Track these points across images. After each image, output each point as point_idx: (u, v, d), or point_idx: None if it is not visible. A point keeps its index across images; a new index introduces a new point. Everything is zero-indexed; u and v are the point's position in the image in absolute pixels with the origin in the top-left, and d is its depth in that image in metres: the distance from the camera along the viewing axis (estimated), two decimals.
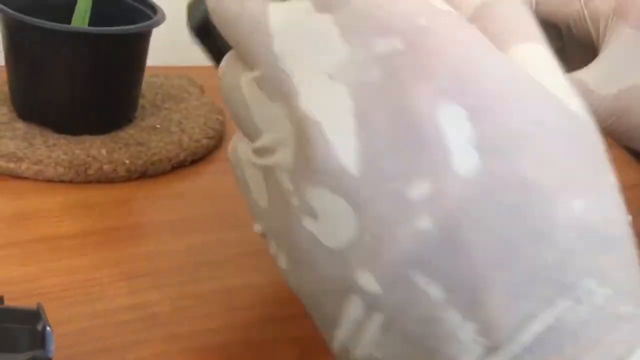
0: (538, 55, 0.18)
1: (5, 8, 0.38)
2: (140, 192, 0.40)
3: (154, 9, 0.44)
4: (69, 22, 0.42)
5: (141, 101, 0.47)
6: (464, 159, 0.15)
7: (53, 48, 0.39)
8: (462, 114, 0.15)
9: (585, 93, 0.25)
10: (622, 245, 0.16)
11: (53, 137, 0.41)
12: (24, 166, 0.38)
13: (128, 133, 0.43)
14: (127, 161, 0.40)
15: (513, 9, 0.19)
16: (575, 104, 0.17)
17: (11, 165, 0.38)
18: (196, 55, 0.69)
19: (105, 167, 0.39)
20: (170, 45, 0.62)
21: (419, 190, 0.15)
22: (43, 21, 0.38)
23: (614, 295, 0.15)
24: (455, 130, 0.15)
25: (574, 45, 0.29)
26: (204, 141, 0.45)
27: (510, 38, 0.18)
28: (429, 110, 0.15)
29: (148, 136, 0.43)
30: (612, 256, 0.15)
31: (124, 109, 0.44)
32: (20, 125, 0.41)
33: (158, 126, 0.45)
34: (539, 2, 0.29)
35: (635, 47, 0.26)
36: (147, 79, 0.49)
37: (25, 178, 0.38)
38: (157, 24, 0.42)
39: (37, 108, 0.42)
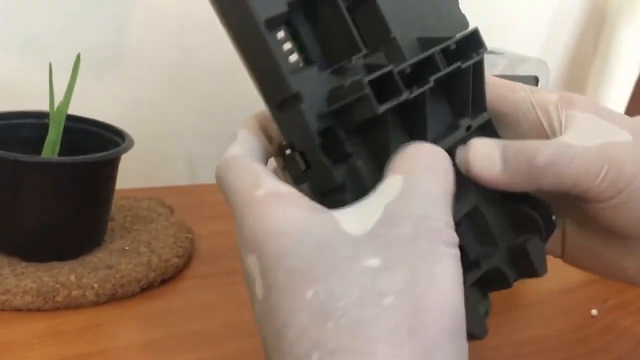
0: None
1: None
2: (109, 315, 0.40)
3: (121, 135, 0.46)
4: (40, 153, 0.44)
5: (110, 224, 0.48)
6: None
7: (23, 179, 0.41)
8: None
9: (568, 148, 0.28)
10: None
11: (21, 266, 0.41)
12: None
13: (97, 257, 0.44)
14: (96, 285, 0.40)
15: None
16: None
17: None
18: (166, 175, 0.71)
19: (74, 292, 0.40)
20: (139, 167, 0.64)
21: None
22: (12, 153, 0.40)
23: None
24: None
25: (512, 129, 0.33)
26: (174, 260, 0.46)
27: None
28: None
29: (117, 259, 0.44)
30: None
31: (93, 234, 0.45)
32: None
33: (127, 248, 0.46)
34: (488, 93, 0.32)
35: (590, 123, 0.30)
36: (117, 201, 0.50)
37: None
38: (125, 150, 0.44)
39: (6, 237, 0.42)
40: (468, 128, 0.31)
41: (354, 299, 0.21)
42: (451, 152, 0.29)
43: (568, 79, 1.02)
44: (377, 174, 0.27)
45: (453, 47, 0.29)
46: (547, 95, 0.32)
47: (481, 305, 0.31)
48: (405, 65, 0.26)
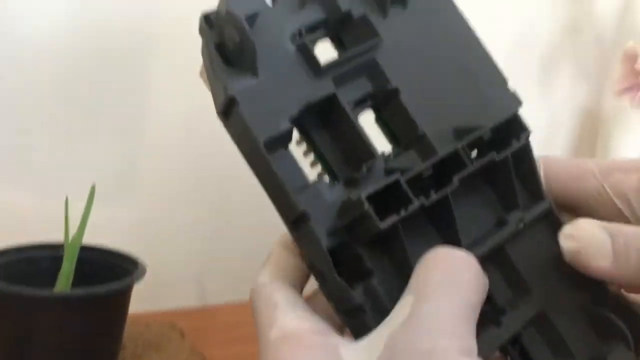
0: None
1: None
2: None
3: (134, 263, 0.47)
4: (54, 282, 0.44)
5: (122, 353, 0.48)
6: None
7: (36, 313, 0.41)
8: None
9: None
10: None
11: None
12: None
13: None
14: None
15: None
16: None
17: None
18: (177, 296, 0.71)
19: None
20: (149, 290, 0.64)
21: None
22: (25, 288, 0.40)
23: None
24: None
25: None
26: None
27: None
28: None
29: None
30: None
31: None
32: None
33: None
34: (549, 180, 0.29)
35: None
36: (128, 327, 0.50)
37: None
38: (137, 279, 0.44)
39: None
40: (520, 222, 0.28)
41: None
42: (502, 251, 0.27)
43: None
44: (401, 291, 0.24)
45: (488, 136, 0.27)
46: (624, 179, 0.28)
47: None
48: (419, 170, 0.25)
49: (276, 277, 0.27)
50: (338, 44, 0.29)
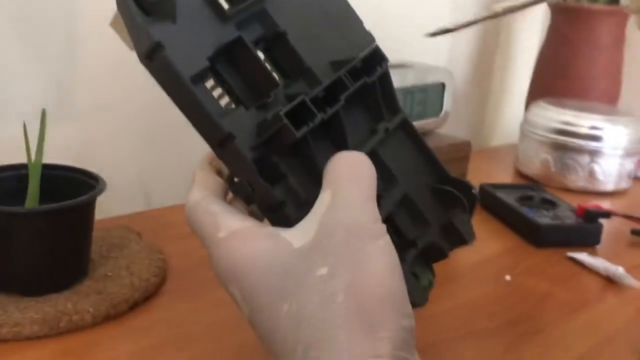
0: None
1: None
2: (106, 333, 0.47)
3: (95, 178, 0.53)
4: (24, 202, 0.50)
5: (91, 254, 0.55)
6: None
7: (14, 228, 0.47)
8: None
9: None
10: None
11: (23, 301, 0.47)
12: (4, 331, 0.44)
13: (86, 285, 0.51)
14: (91, 309, 0.47)
15: None
16: None
17: None
18: (128, 203, 0.78)
19: (74, 317, 0.46)
20: (106, 198, 0.70)
21: None
22: (3, 207, 0.46)
23: None
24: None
25: None
26: (152, 279, 0.53)
27: None
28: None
29: (104, 284, 0.51)
30: None
31: (79, 266, 0.52)
32: None
33: (110, 274, 0.53)
34: None
35: None
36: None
37: (7, 341, 0.44)
38: (100, 192, 0.51)
39: (5, 278, 0.48)
40: (386, 130, 0.36)
41: (316, 303, 0.28)
42: (375, 153, 0.35)
43: (473, 79, 1.13)
44: (312, 186, 0.31)
45: (359, 65, 0.34)
46: None
47: (424, 277, 0.36)
48: (316, 92, 0.32)
49: (207, 193, 0.33)
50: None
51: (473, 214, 0.38)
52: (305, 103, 0.31)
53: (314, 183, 0.31)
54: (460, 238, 0.37)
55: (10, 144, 0.52)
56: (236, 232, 0.31)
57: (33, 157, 0.51)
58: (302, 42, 0.34)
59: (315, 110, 0.31)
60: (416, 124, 0.72)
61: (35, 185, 0.51)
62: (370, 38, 0.37)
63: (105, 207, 0.71)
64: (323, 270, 0.28)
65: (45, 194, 0.51)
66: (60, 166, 0.54)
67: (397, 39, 0.91)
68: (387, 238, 0.30)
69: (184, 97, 0.30)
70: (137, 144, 0.75)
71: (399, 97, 0.70)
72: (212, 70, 0.31)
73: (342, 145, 0.34)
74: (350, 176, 0.31)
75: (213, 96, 0.31)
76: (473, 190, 0.38)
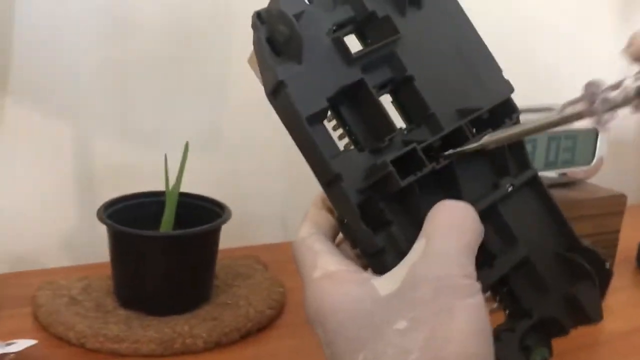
0: None
1: (113, 223, 0.50)
2: (215, 358, 0.48)
3: (222, 207, 0.56)
4: (158, 228, 0.54)
5: (215, 281, 0.57)
6: None
7: (146, 250, 0.51)
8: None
9: None
10: None
11: (147, 319, 0.51)
12: (124, 345, 0.48)
13: (205, 310, 0.53)
14: (205, 334, 0.49)
15: None
16: None
17: (115, 345, 0.48)
18: (261, 233, 0.81)
19: (188, 340, 0.49)
20: (238, 228, 0.74)
21: None
22: (137, 230, 0.50)
23: None
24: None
25: None
26: (268, 312, 0.54)
27: None
28: None
29: (221, 311, 0.53)
30: None
31: (202, 291, 0.54)
32: (122, 312, 0.52)
33: (229, 302, 0.55)
34: None
35: None
36: (220, 261, 0.60)
37: (125, 356, 0.48)
38: (224, 221, 0.53)
39: (136, 297, 0.52)
40: (510, 186, 0.33)
41: (389, 356, 0.27)
42: (495, 209, 0.33)
43: (634, 123, 1.02)
44: (415, 236, 0.30)
45: (486, 115, 0.32)
46: None
47: (537, 352, 0.33)
48: (432, 140, 0.31)
49: (315, 231, 0.33)
50: (361, 37, 0.34)
51: (605, 292, 0.34)
52: (415, 151, 0.30)
53: (417, 233, 0.30)
54: (585, 316, 0.33)
55: (160, 172, 0.56)
56: (330, 274, 0.31)
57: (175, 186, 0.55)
58: (430, 86, 0.33)
59: (426, 160, 0.30)
60: (563, 172, 0.68)
61: (171, 211, 0.55)
62: (507, 87, 0.35)
63: (246, 236, 0.75)
64: (401, 324, 0.27)
65: (181, 220, 0.55)
66: (194, 195, 0.57)
67: (546, 81, 0.86)
68: (480, 298, 0.28)
69: (300, 134, 0.31)
70: (281, 178, 0.78)
71: (542, 143, 0.66)
72: (334, 110, 0.32)
73: (455, 197, 0.32)
74: (448, 226, 0.29)
75: (329, 136, 0.31)
76: (606, 265, 0.34)
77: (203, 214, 0.56)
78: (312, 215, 0.35)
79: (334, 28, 0.33)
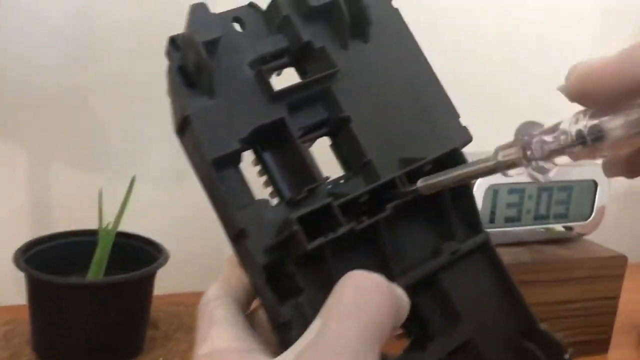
0: None
1: (28, 268, 0.45)
2: None
3: (159, 250, 0.50)
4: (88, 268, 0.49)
5: (154, 332, 0.51)
6: None
7: (66, 299, 0.45)
8: None
9: None
10: None
11: None
12: None
13: None
14: None
15: None
16: None
17: None
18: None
19: None
20: (201, 271, 0.68)
21: None
22: (58, 277, 0.45)
23: None
24: None
25: None
26: None
27: None
28: None
29: None
30: None
31: (129, 346, 0.48)
32: None
33: (161, 359, 0.49)
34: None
35: None
36: (169, 307, 0.54)
37: None
38: (159, 266, 0.48)
39: (53, 350, 0.47)
40: (454, 252, 0.28)
41: None
42: (435, 279, 0.28)
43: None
44: None
45: (428, 167, 0.27)
46: None
47: None
48: (356, 194, 0.26)
49: (222, 294, 0.28)
50: (301, 72, 0.29)
51: None
52: (330, 208, 0.25)
53: None
54: None
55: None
56: (215, 353, 0.25)
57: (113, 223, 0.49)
58: (370, 130, 0.29)
59: (342, 218, 0.25)
60: (556, 228, 0.61)
61: (103, 253, 0.49)
62: (461, 136, 0.30)
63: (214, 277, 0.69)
64: None
65: (115, 262, 0.50)
66: (132, 235, 0.52)
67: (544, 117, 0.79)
68: None
69: (206, 179, 0.27)
70: None
71: (530, 193, 0.59)
72: (257, 154, 0.28)
73: (382, 264, 0.27)
74: (350, 305, 0.24)
75: (241, 183, 0.27)
76: (566, 356, 0.28)
77: (142, 256, 0.50)
78: (225, 274, 0.29)
79: (265, 58, 0.28)
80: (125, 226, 0.51)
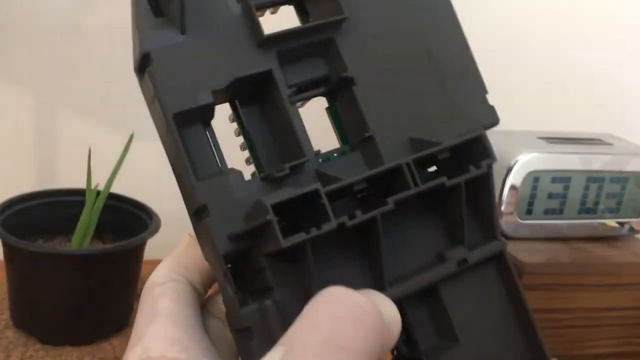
0: None
1: (3, 232, 0.41)
2: None
3: (150, 216, 0.45)
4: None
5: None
6: None
7: (46, 267, 0.41)
8: None
9: None
10: None
11: (34, 348, 0.41)
12: None
13: (112, 344, 0.43)
14: None
15: None
16: None
17: None
18: None
19: None
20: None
21: None
22: (27, 242, 0.41)
23: None
24: None
25: None
26: None
27: None
28: None
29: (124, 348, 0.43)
30: None
31: (110, 320, 0.44)
32: (10, 333, 0.43)
33: None
34: None
35: None
36: None
37: None
38: (149, 236, 0.43)
39: (28, 317, 0.43)
40: (461, 262, 0.23)
41: None
42: (434, 291, 0.22)
43: None
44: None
45: (443, 155, 0.22)
46: None
47: None
48: (349, 182, 0.21)
49: (172, 276, 0.23)
50: (302, 14, 0.24)
51: None
52: (318, 196, 0.20)
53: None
54: None
55: None
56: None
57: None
58: (377, 97, 0.23)
59: (330, 212, 0.20)
60: (604, 222, 0.53)
61: (89, 217, 0.45)
62: (486, 118, 0.24)
63: None
64: None
65: (106, 226, 0.46)
66: (123, 198, 0.47)
67: (604, 102, 0.70)
68: None
69: (165, 137, 0.22)
70: None
71: (576, 182, 0.52)
72: (234, 107, 0.23)
73: (374, 269, 0.22)
74: (323, 342, 0.18)
75: (209, 146, 0.22)
76: None
77: (132, 222, 0.46)
78: (181, 251, 0.24)
79: None
80: (122, 186, 0.46)
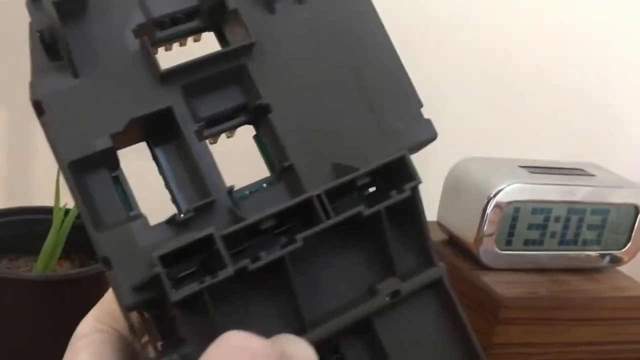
0: None
1: None
2: None
3: None
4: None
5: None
6: None
7: (5, 293, 0.40)
8: None
9: None
10: None
11: None
12: None
13: None
14: None
15: None
16: None
17: None
18: None
19: None
20: None
21: None
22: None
23: None
24: None
25: None
26: None
27: None
28: None
29: None
30: None
31: None
32: None
33: None
34: None
35: None
36: None
37: None
38: None
39: None
40: (394, 294, 0.21)
41: None
42: (370, 326, 0.21)
43: None
44: None
45: (364, 180, 0.21)
46: None
47: None
48: (250, 222, 0.19)
49: (100, 325, 0.22)
50: (223, 40, 0.23)
51: None
52: (211, 241, 0.19)
53: None
54: None
55: None
56: None
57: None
58: (298, 124, 0.22)
59: (227, 258, 0.19)
60: (585, 255, 0.52)
61: (55, 238, 0.43)
62: (426, 132, 0.23)
63: None
64: None
65: (81, 245, 0.44)
66: None
67: (593, 133, 0.70)
68: None
69: (69, 185, 0.20)
70: None
71: (558, 214, 0.51)
72: (151, 149, 0.22)
73: (290, 310, 0.21)
74: None
75: (112, 193, 0.21)
76: None
77: None
78: (109, 296, 0.23)
79: (166, 23, 0.22)
80: None
